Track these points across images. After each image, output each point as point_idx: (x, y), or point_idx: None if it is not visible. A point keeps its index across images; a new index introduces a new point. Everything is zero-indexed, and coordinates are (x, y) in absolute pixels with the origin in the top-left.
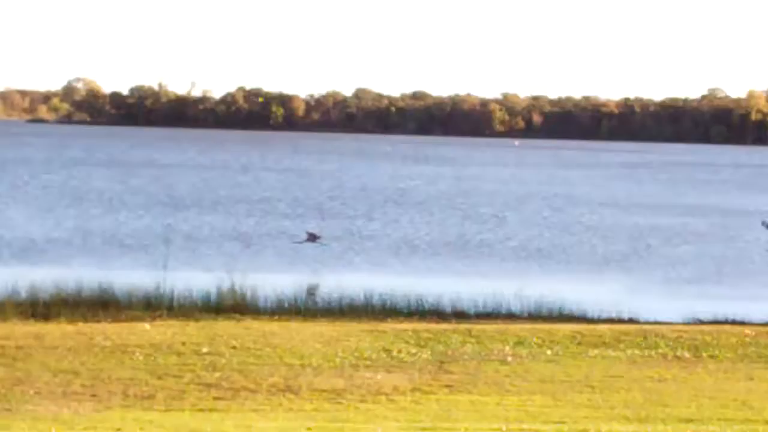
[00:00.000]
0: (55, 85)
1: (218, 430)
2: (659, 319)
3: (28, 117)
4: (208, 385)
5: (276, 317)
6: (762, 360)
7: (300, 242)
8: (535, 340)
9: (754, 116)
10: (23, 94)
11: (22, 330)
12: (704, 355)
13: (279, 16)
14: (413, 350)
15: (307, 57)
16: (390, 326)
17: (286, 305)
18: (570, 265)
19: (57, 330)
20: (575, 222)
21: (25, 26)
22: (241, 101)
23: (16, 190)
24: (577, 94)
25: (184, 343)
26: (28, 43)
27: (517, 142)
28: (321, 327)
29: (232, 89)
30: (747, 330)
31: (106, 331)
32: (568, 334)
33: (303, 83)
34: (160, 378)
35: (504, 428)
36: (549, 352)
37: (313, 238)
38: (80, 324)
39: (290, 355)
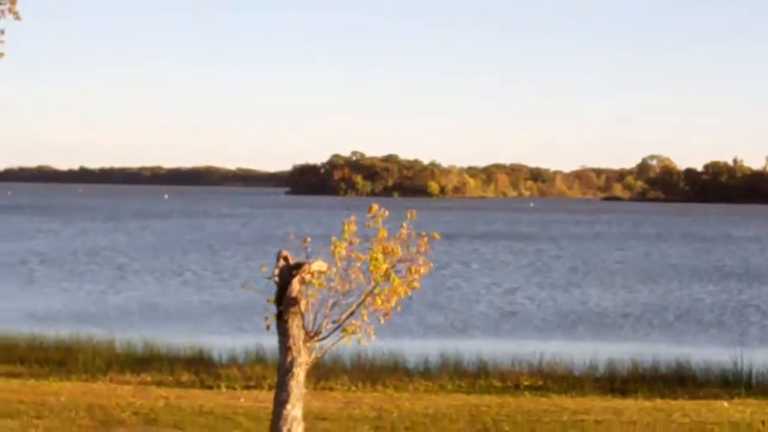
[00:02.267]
0: (630, 163)
1: None
2: None
3: (603, 195)
4: None
5: None
6: None
7: None
8: None
9: None
10: (598, 172)
11: (600, 405)
12: None
13: None
14: None
15: None
16: None
17: None
18: None
19: (634, 405)
20: None
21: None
22: None
23: (592, 266)
24: None
25: (763, 423)
26: (601, 125)
27: None
28: None
29: None
30: None
31: (683, 407)
32: None
33: None
34: None
35: None
36: None
37: None
38: (657, 400)
39: None
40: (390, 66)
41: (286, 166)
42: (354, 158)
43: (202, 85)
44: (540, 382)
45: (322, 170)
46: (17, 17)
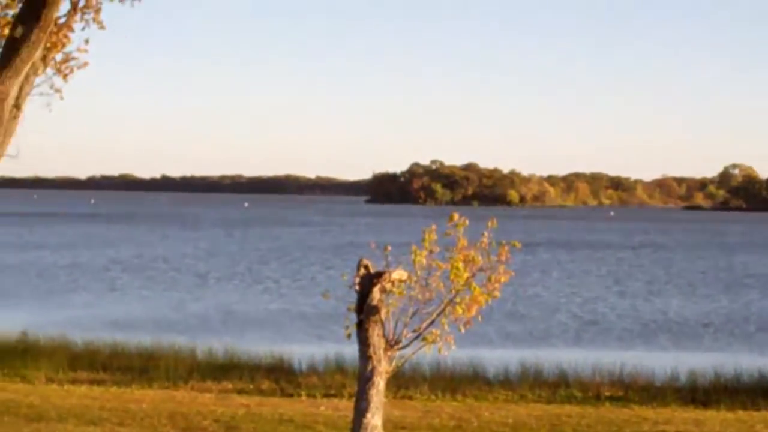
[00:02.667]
0: (711, 171)
1: None
2: None
3: (684, 204)
4: None
5: None
6: None
7: None
8: None
9: None
10: (679, 181)
11: (681, 416)
12: None
13: None
14: None
15: None
16: None
17: None
18: None
19: (716, 417)
20: None
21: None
22: None
23: (673, 276)
24: None
25: None
26: (682, 133)
27: None
28: None
29: None
30: None
31: (766, 419)
32: None
33: None
34: None
35: None
36: None
37: None
38: (740, 411)
39: None
40: (469, 75)
41: (365, 174)
42: (433, 167)
43: (282, 94)
44: (621, 393)
45: (402, 179)
46: (102, 27)
